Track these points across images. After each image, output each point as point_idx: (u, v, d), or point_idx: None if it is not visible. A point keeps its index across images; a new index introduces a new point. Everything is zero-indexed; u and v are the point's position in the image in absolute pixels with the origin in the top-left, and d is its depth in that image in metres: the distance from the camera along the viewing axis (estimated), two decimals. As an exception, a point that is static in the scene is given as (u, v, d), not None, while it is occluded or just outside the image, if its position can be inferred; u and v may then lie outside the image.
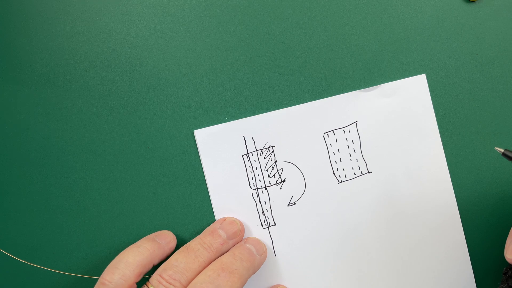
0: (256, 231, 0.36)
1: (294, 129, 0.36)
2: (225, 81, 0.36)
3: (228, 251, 0.34)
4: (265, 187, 0.36)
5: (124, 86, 0.36)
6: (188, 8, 0.36)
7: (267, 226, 0.36)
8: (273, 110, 0.36)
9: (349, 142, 0.37)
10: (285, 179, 0.36)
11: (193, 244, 0.33)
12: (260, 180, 0.36)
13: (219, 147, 0.36)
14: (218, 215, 0.36)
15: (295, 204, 0.36)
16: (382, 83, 0.37)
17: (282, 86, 0.37)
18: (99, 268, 0.32)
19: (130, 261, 0.32)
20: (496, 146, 0.32)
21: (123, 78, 0.36)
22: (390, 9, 0.37)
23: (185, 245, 0.33)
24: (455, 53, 0.37)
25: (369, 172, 0.37)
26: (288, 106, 0.36)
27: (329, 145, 0.37)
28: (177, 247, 0.34)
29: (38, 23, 0.35)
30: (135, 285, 0.32)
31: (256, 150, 0.36)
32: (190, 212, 0.36)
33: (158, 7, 0.36)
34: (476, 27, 0.37)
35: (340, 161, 0.37)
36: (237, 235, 0.34)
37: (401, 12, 0.37)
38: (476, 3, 0.37)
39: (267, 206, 0.36)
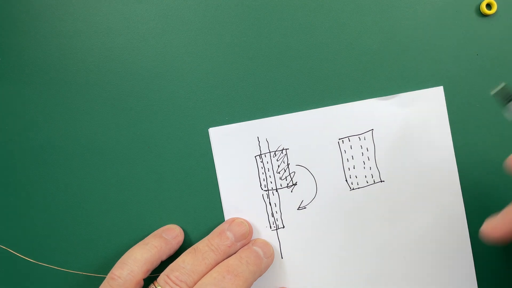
0: (264, 232, 0.36)
1: (309, 133, 0.36)
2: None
3: (235, 252, 0.34)
4: (276, 189, 0.36)
5: (125, 85, 0.36)
6: (189, 7, 0.36)
7: (275, 228, 0.36)
8: (288, 113, 0.36)
9: (364, 150, 0.37)
10: (296, 182, 0.36)
11: (201, 245, 0.33)
12: (271, 182, 0.36)
13: (233, 146, 0.36)
14: (227, 214, 0.36)
15: (305, 208, 0.36)
16: (398, 92, 0.37)
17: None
18: (108, 266, 0.32)
19: (138, 258, 0.32)
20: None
21: (125, 77, 0.36)
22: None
23: (193, 246, 0.33)
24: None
25: (381, 181, 0.37)
26: (304, 110, 0.36)
27: (343, 152, 0.37)
28: (185, 246, 0.34)
29: (38, 23, 0.35)
30: (142, 281, 0.32)
31: (270, 152, 0.36)
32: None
33: (158, 7, 0.36)
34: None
35: (354, 168, 0.37)
36: (245, 237, 0.34)
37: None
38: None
39: (277, 208, 0.36)
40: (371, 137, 0.37)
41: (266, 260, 0.34)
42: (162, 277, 0.31)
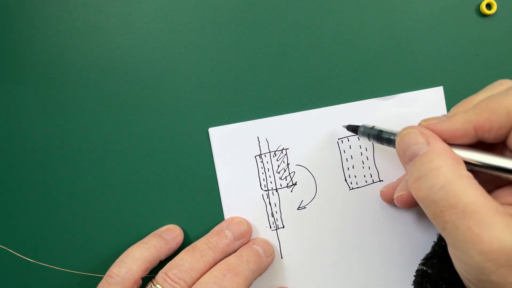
0: (264, 232, 0.36)
1: (308, 133, 0.36)
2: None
3: (234, 251, 0.34)
4: (276, 189, 0.36)
5: (125, 85, 0.36)
6: (189, 7, 0.36)
7: (275, 228, 0.36)
8: (288, 113, 0.36)
9: (363, 150, 0.37)
10: (296, 182, 0.36)
11: (199, 243, 0.33)
12: (271, 182, 0.36)
13: (233, 146, 0.36)
14: (227, 214, 0.36)
15: (305, 208, 0.36)
16: (398, 92, 0.37)
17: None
18: (107, 266, 0.32)
19: (137, 256, 0.32)
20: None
21: (125, 77, 0.36)
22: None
23: (192, 244, 0.33)
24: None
25: (380, 181, 0.37)
26: (304, 110, 0.36)
27: (342, 151, 0.36)
28: (185, 246, 0.34)
29: (38, 23, 0.35)
30: (141, 280, 0.32)
31: (269, 152, 0.36)
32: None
33: (158, 7, 0.36)
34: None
35: (353, 168, 0.37)
36: (244, 236, 0.34)
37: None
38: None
39: (277, 208, 0.36)
40: (371, 136, 0.37)
41: (267, 259, 0.34)
42: (160, 274, 0.31)
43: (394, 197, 0.33)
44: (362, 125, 0.34)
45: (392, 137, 0.30)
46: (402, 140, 0.27)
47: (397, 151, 0.28)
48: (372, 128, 0.33)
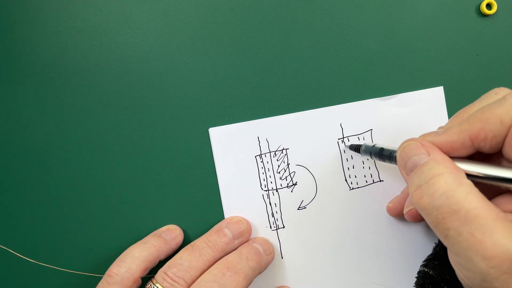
0: (264, 232, 0.36)
1: (308, 133, 0.36)
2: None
3: (234, 250, 0.34)
4: (276, 189, 0.36)
5: (125, 85, 0.36)
6: (189, 7, 0.36)
7: (275, 228, 0.36)
8: (288, 113, 0.36)
9: (363, 150, 0.37)
10: (296, 182, 0.36)
11: (198, 242, 0.33)
12: (271, 182, 0.36)
13: (233, 146, 0.36)
14: (227, 214, 0.36)
15: (305, 208, 0.36)
16: (398, 92, 0.37)
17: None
18: (106, 266, 0.32)
19: (136, 256, 0.32)
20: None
21: (125, 77, 0.36)
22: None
23: (191, 243, 0.33)
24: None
25: (380, 181, 0.37)
26: (304, 110, 0.36)
27: (342, 151, 0.36)
28: (185, 245, 0.34)
29: (38, 23, 0.35)
30: (140, 280, 0.32)
31: (270, 152, 0.36)
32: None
33: (159, 7, 0.36)
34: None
35: (353, 168, 0.37)
36: (243, 235, 0.34)
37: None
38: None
39: (277, 208, 0.36)
40: (370, 137, 0.37)
41: (266, 257, 0.34)
42: (159, 274, 0.31)
43: (404, 213, 0.33)
44: (364, 144, 0.34)
45: (393, 154, 0.30)
46: (403, 152, 0.28)
47: (398, 163, 0.28)
48: (374, 146, 0.33)
